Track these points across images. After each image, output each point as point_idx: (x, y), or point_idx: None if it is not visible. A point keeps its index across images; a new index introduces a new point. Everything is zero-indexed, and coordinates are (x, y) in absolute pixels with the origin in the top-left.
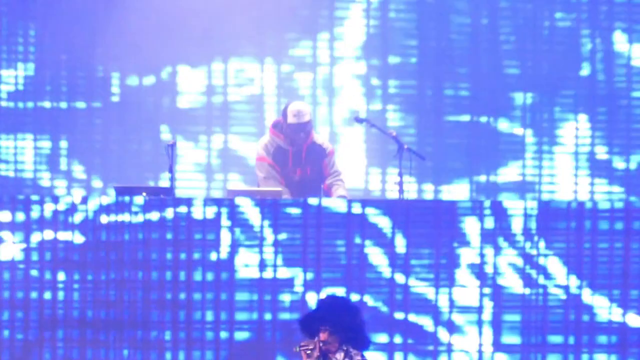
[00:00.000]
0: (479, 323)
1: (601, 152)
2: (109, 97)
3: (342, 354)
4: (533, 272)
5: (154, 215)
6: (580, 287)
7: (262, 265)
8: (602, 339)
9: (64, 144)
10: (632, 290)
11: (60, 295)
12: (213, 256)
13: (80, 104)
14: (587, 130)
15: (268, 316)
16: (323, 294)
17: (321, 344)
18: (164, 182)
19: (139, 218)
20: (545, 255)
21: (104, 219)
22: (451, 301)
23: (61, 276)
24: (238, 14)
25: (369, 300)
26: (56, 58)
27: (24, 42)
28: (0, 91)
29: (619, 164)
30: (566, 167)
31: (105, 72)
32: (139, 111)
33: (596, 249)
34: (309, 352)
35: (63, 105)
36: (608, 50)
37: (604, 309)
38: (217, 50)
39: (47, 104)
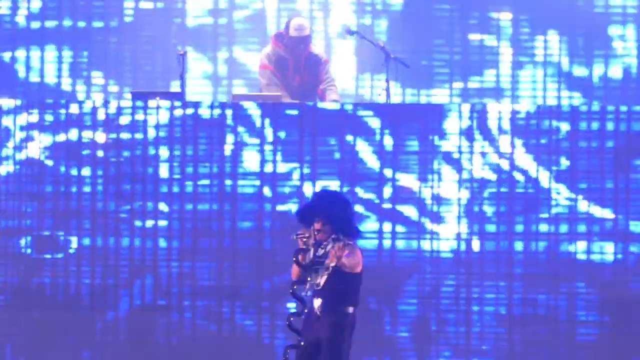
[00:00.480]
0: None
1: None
2: (123, 18)
3: (331, 240)
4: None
5: (165, 116)
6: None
7: (263, 161)
8: (564, 227)
9: (83, 55)
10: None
11: (87, 188)
12: (218, 152)
13: (98, 23)
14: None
15: (268, 207)
16: (317, 188)
17: (315, 233)
18: (175, 88)
19: (152, 119)
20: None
21: (123, 119)
22: (433, 194)
23: (85, 171)
24: None
25: (359, 192)
26: None
27: None
28: (28, 9)
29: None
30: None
31: None
32: (152, 29)
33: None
34: (305, 239)
35: (81, 24)
36: None
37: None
38: None
39: (67, 22)
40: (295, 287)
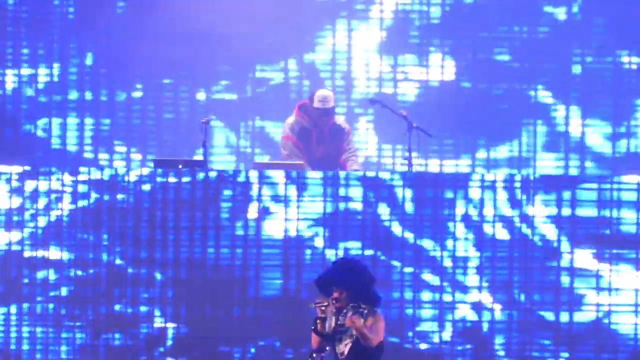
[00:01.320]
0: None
1: None
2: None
3: (352, 310)
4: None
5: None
6: None
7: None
8: None
9: (105, 122)
10: None
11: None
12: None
13: (121, 95)
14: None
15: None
16: (336, 257)
17: (334, 301)
18: (198, 157)
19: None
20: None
21: (145, 186)
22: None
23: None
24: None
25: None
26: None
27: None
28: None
29: None
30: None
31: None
32: (173, 104)
33: None
34: (323, 308)
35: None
36: None
37: None
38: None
39: (89, 94)
40: (314, 355)
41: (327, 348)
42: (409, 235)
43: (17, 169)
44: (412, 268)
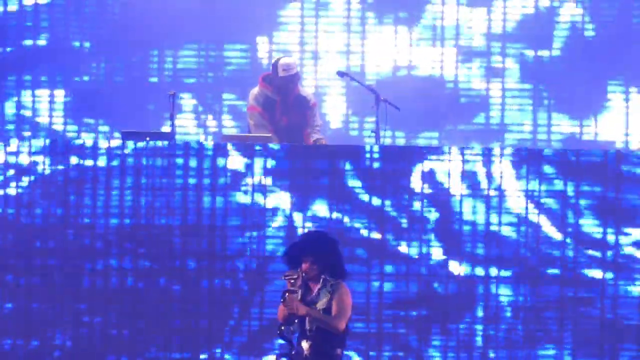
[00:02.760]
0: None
1: None
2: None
3: (321, 282)
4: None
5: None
6: None
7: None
8: None
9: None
10: None
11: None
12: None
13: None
14: None
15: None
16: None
17: (303, 274)
18: (166, 129)
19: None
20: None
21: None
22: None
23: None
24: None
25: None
26: None
27: None
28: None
29: None
30: None
31: None
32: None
33: None
34: (292, 280)
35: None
36: None
37: None
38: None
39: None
40: (283, 328)
41: (296, 321)
42: (377, 202)
43: None
44: (378, 234)
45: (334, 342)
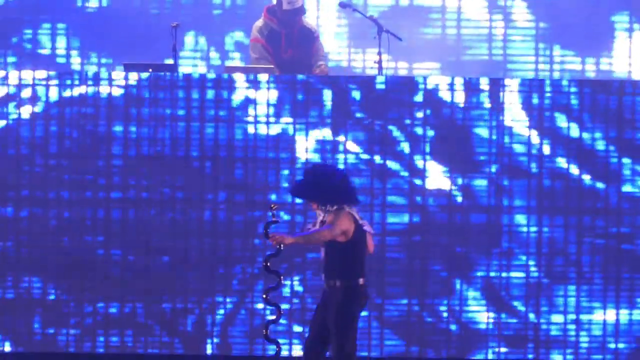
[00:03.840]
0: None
1: None
2: None
3: (325, 212)
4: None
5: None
6: None
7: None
8: None
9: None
10: None
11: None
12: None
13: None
14: None
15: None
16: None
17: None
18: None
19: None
20: None
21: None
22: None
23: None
24: None
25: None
26: None
27: None
28: None
29: None
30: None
31: None
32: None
33: None
34: (274, 211)
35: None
36: None
37: None
38: None
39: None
40: (268, 263)
41: (281, 247)
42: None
43: None
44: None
45: (350, 271)
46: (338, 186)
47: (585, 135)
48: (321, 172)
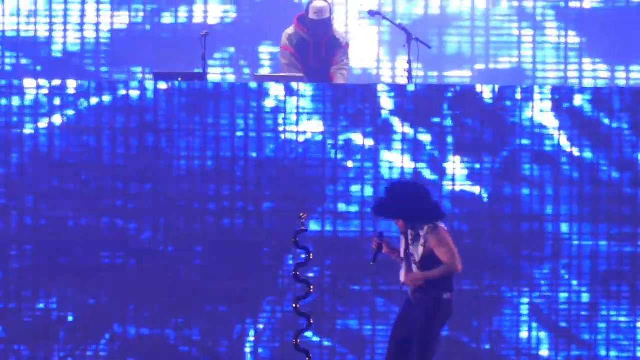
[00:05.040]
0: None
1: None
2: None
3: (413, 233)
4: None
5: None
6: None
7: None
8: None
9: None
10: None
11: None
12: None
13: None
14: None
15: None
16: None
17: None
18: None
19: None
20: None
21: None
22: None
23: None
24: None
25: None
26: None
27: None
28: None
29: None
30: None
31: None
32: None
33: None
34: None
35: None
36: None
37: None
38: None
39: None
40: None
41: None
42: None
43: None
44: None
45: (440, 285)
46: (426, 202)
47: None
48: (406, 189)
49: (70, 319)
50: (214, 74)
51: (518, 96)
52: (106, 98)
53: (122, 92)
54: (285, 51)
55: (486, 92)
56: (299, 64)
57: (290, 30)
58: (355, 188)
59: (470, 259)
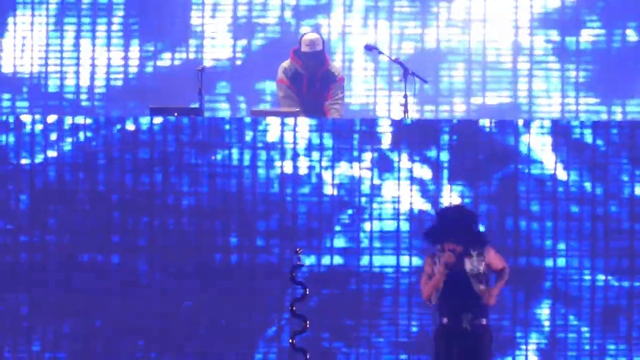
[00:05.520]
0: None
1: None
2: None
3: (468, 257)
4: None
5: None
6: None
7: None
8: None
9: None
10: None
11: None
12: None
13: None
14: None
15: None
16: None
17: (451, 252)
18: (194, 104)
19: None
20: None
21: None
22: None
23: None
24: None
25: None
26: None
27: None
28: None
29: None
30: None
31: None
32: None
33: None
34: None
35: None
36: None
37: None
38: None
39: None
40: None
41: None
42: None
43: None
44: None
45: (488, 311)
46: (478, 226)
47: None
48: (460, 215)
49: None
50: (211, 110)
51: (519, 129)
52: (102, 132)
53: (118, 126)
54: (282, 84)
55: (486, 125)
56: (295, 97)
57: (286, 63)
58: (353, 222)
59: None
